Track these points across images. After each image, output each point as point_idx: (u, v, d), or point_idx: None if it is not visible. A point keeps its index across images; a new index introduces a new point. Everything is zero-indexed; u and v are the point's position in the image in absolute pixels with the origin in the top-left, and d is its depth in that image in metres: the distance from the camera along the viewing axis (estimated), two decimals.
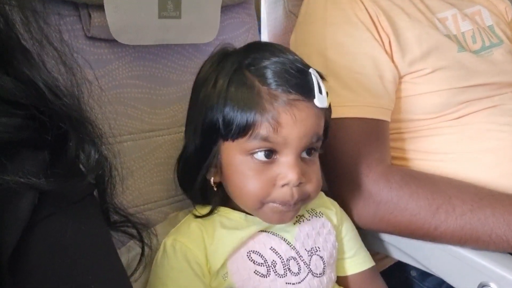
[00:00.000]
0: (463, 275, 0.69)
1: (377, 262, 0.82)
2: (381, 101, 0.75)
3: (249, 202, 0.57)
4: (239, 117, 0.54)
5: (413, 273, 0.81)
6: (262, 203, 0.56)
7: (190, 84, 0.76)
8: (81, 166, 0.40)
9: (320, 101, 0.55)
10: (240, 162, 0.56)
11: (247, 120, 0.54)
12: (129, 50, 0.68)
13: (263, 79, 0.55)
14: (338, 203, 0.72)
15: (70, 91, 0.38)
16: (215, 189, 0.60)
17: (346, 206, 0.72)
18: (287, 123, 0.54)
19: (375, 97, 0.74)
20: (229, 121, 0.55)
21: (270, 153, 0.55)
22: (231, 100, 0.55)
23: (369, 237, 0.77)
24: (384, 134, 0.75)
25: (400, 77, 0.77)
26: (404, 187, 0.70)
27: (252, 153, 0.55)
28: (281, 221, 0.58)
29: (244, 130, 0.54)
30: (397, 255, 0.77)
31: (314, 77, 0.56)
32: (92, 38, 0.65)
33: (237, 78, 0.56)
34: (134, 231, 0.47)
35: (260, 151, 0.54)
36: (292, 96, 0.54)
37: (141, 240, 0.47)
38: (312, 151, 0.57)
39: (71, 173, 0.37)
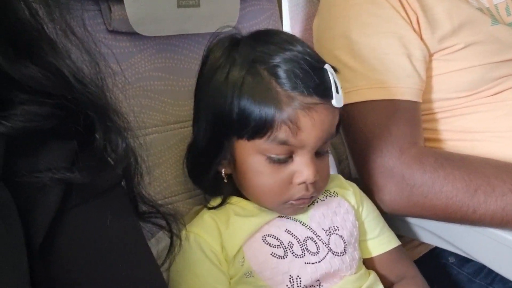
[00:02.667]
0: (504, 259, 0.66)
1: (412, 249, 0.80)
2: (411, 81, 0.72)
3: (266, 201, 0.58)
4: (257, 111, 0.53)
5: (451, 259, 0.78)
6: (278, 203, 0.57)
7: None
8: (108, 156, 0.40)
9: (337, 101, 0.55)
10: (255, 162, 0.56)
11: (265, 118, 0.53)
12: (151, 43, 0.68)
13: (278, 79, 0.54)
14: (369, 189, 0.71)
15: (94, 80, 0.38)
16: (226, 180, 0.60)
17: (377, 192, 0.70)
18: (306, 127, 0.53)
19: (404, 77, 0.72)
20: (246, 116, 0.54)
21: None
22: (247, 92, 0.54)
23: (402, 223, 0.75)
24: (416, 115, 0.73)
25: (430, 55, 0.75)
26: (438, 169, 0.67)
27: (268, 153, 0.55)
28: (294, 213, 0.60)
29: (262, 130, 0.54)
30: (434, 241, 0.74)
31: (331, 75, 0.55)
32: (113, 32, 0.65)
33: (252, 75, 0.55)
34: (163, 222, 0.47)
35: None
36: (311, 99, 0.54)
37: (170, 230, 0.47)
38: (325, 147, 0.58)
39: (101, 165, 0.38)
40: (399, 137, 0.70)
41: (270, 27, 0.82)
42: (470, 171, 0.67)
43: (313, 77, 0.54)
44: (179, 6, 0.65)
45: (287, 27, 0.95)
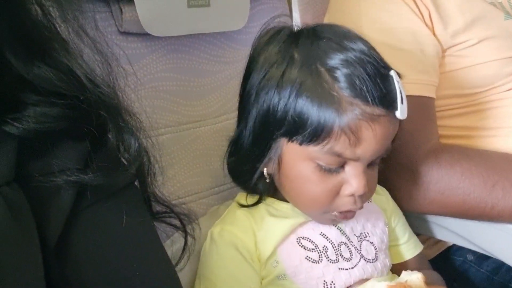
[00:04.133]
0: None
1: (430, 247, 0.78)
2: (425, 77, 0.71)
3: (309, 208, 0.56)
4: (315, 115, 0.49)
5: (470, 257, 0.77)
6: (323, 212, 0.55)
7: (224, 74, 0.75)
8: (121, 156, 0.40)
9: (402, 113, 0.51)
10: (304, 168, 0.52)
11: (324, 124, 0.49)
12: (162, 43, 0.68)
13: (340, 83, 0.50)
14: (385, 186, 0.70)
15: (106, 80, 0.39)
16: (268, 180, 0.57)
17: (393, 190, 0.69)
18: (366, 139, 0.50)
19: (418, 73, 0.71)
20: (303, 119, 0.50)
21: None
22: (306, 94, 0.50)
23: (419, 221, 0.74)
24: (430, 111, 0.72)
25: (443, 51, 0.74)
26: (455, 165, 0.66)
27: (319, 161, 0.52)
28: (333, 223, 0.58)
29: (319, 137, 0.50)
30: (451, 239, 0.74)
31: (397, 84, 0.51)
32: (125, 33, 0.65)
33: (313, 75, 0.51)
34: (177, 222, 0.47)
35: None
36: (375, 110, 0.50)
37: (184, 230, 0.47)
38: (378, 159, 0.55)
39: (115, 165, 0.38)
40: (414, 134, 0.69)
41: (280, 25, 0.81)
42: (488, 167, 0.66)
43: (379, 85, 0.50)
44: (189, 6, 0.65)
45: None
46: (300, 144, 0.51)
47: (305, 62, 0.51)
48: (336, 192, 0.53)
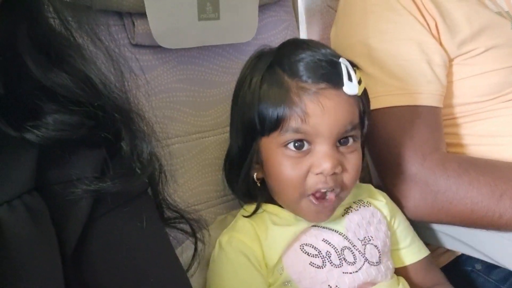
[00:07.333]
0: None
1: (438, 256, 0.78)
2: (431, 87, 0.72)
3: (287, 193, 0.58)
4: (271, 112, 0.57)
5: (478, 266, 0.76)
6: (299, 195, 0.57)
7: (232, 85, 0.76)
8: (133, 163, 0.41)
9: (349, 88, 0.56)
10: (276, 154, 0.58)
11: (277, 115, 0.56)
12: (173, 55, 0.70)
13: (293, 73, 0.57)
14: (392, 196, 0.70)
15: (119, 87, 0.40)
16: (259, 184, 0.61)
17: (401, 199, 0.70)
18: (314, 112, 0.55)
19: (425, 83, 0.72)
20: (263, 118, 0.58)
21: (302, 143, 0.56)
22: (263, 98, 0.58)
23: (427, 231, 0.74)
24: (437, 121, 0.72)
25: (451, 60, 0.74)
26: (462, 175, 0.66)
27: (286, 145, 0.57)
28: (317, 218, 0.59)
29: (276, 124, 0.56)
30: (460, 248, 0.73)
31: (344, 65, 0.57)
32: (137, 46, 0.66)
33: (269, 76, 0.58)
34: (187, 228, 0.47)
35: (293, 141, 0.56)
36: (320, 86, 0.55)
37: (194, 235, 0.47)
38: (349, 139, 0.57)
39: (130, 172, 0.38)
40: (421, 143, 0.69)
41: (287, 37, 0.83)
42: (495, 176, 0.66)
43: (326, 67, 0.56)
44: (200, 19, 0.67)
45: (304, 37, 0.96)
46: (268, 135, 0.58)
47: (264, 67, 0.59)
48: (307, 172, 0.56)
